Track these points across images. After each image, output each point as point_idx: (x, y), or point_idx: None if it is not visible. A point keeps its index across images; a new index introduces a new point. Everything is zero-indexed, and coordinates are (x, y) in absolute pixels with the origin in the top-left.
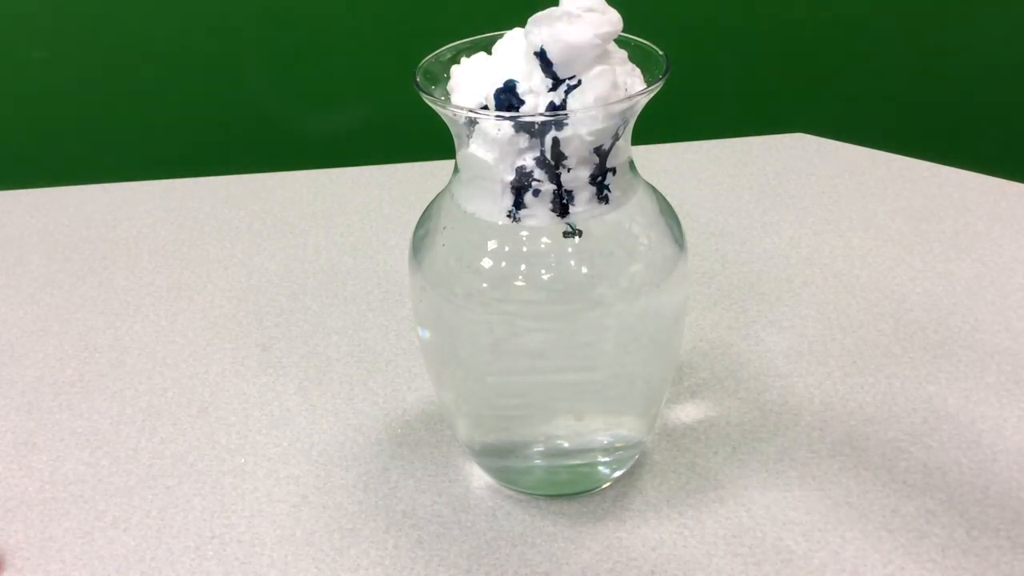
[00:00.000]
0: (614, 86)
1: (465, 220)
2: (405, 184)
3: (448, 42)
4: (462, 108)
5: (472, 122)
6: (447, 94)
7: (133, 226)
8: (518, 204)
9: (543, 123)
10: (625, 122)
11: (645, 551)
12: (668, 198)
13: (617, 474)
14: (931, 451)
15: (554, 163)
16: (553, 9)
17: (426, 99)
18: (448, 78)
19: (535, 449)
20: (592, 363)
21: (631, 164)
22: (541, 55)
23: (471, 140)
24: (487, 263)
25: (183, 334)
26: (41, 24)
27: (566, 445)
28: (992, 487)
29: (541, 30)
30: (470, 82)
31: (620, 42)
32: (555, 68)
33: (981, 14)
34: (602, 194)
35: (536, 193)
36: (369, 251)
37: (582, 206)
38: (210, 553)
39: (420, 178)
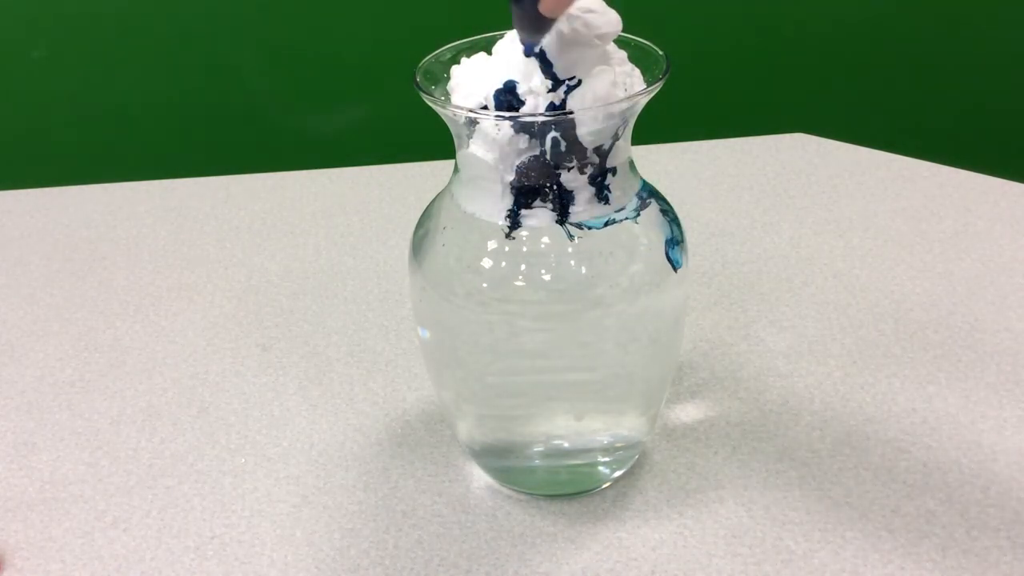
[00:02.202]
0: (614, 86)
1: (465, 220)
2: (405, 184)
3: (448, 42)
4: (462, 108)
5: (472, 122)
6: (447, 94)
7: (133, 226)
8: (518, 204)
9: (543, 123)
10: (625, 122)
11: (645, 551)
12: (668, 198)
13: (617, 474)
14: (931, 451)
15: (554, 163)
16: None
17: (426, 99)
18: (448, 78)
19: (535, 449)
20: (592, 363)
21: (631, 164)
22: (541, 56)
23: (471, 140)
24: (487, 263)
25: (183, 334)
26: (41, 24)
27: (566, 445)
28: (992, 487)
29: None
30: (470, 82)
31: (620, 42)
32: (555, 69)
33: (981, 14)
34: (602, 194)
35: (536, 193)
36: (369, 251)
37: (582, 206)
38: (210, 553)
39: (420, 178)
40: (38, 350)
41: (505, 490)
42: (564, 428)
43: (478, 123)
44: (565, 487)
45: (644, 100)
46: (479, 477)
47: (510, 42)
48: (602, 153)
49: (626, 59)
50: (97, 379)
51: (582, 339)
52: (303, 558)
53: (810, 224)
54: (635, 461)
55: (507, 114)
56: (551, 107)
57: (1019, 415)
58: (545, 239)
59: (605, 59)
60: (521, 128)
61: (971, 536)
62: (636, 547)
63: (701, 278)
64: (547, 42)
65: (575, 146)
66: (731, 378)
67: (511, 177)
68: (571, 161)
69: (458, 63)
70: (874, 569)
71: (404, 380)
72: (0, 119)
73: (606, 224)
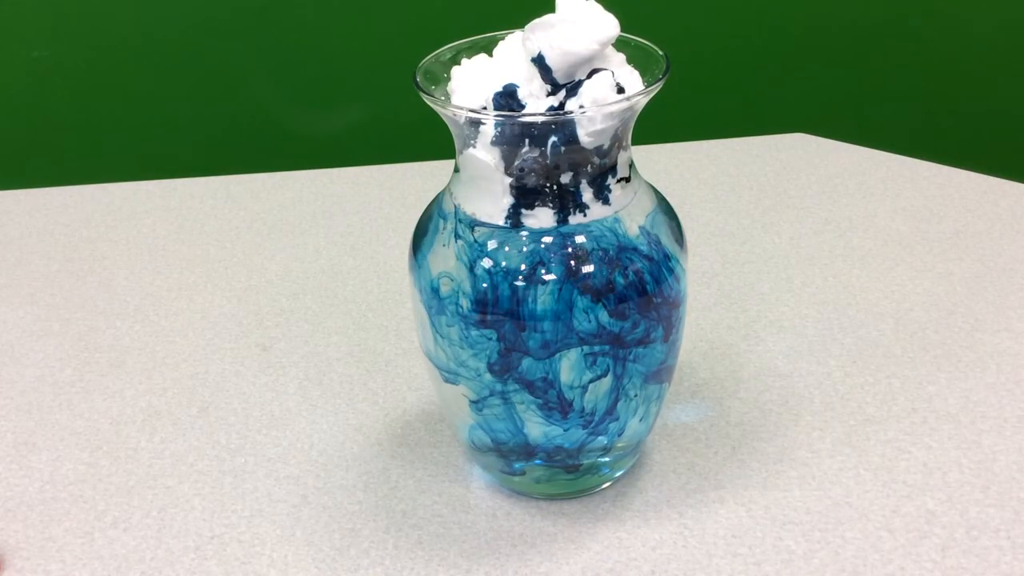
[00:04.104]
0: (613, 88)
1: (465, 220)
2: (405, 184)
3: (448, 42)
4: (462, 108)
5: (473, 123)
6: (447, 94)
7: (133, 226)
8: (518, 205)
9: (543, 125)
10: (625, 123)
11: (645, 551)
12: (668, 198)
13: (617, 474)
14: (931, 451)
15: (554, 164)
16: (550, 16)
17: (426, 99)
18: (448, 78)
19: (535, 450)
20: (592, 363)
21: (631, 164)
22: (539, 61)
23: (472, 141)
24: (487, 263)
25: (183, 334)
26: (41, 24)
27: (566, 445)
28: (992, 487)
29: (538, 37)
30: (471, 84)
31: (620, 43)
32: (554, 74)
33: (981, 14)
34: (602, 194)
35: (536, 194)
36: (369, 251)
37: (582, 206)
38: (210, 553)
39: (420, 178)
40: (38, 350)
41: (505, 490)
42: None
43: (478, 124)
44: (565, 487)
45: (644, 101)
46: (479, 477)
47: (511, 45)
48: (602, 154)
49: (624, 61)
50: (97, 379)
51: (582, 339)
52: (303, 558)
53: (810, 224)
54: (635, 461)
55: (507, 115)
56: (551, 108)
57: (1019, 415)
58: (545, 239)
59: (603, 62)
60: (521, 129)
61: (971, 536)
62: (636, 547)
63: (701, 278)
64: (545, 47)
65: (575, 147)
66: (731, 378)
67: (511, 178)
68: (571, 162)
69: (458, 63)
70: (874, 569)
71: (404, 380)
72: (0, 119)
73: (606, 224)
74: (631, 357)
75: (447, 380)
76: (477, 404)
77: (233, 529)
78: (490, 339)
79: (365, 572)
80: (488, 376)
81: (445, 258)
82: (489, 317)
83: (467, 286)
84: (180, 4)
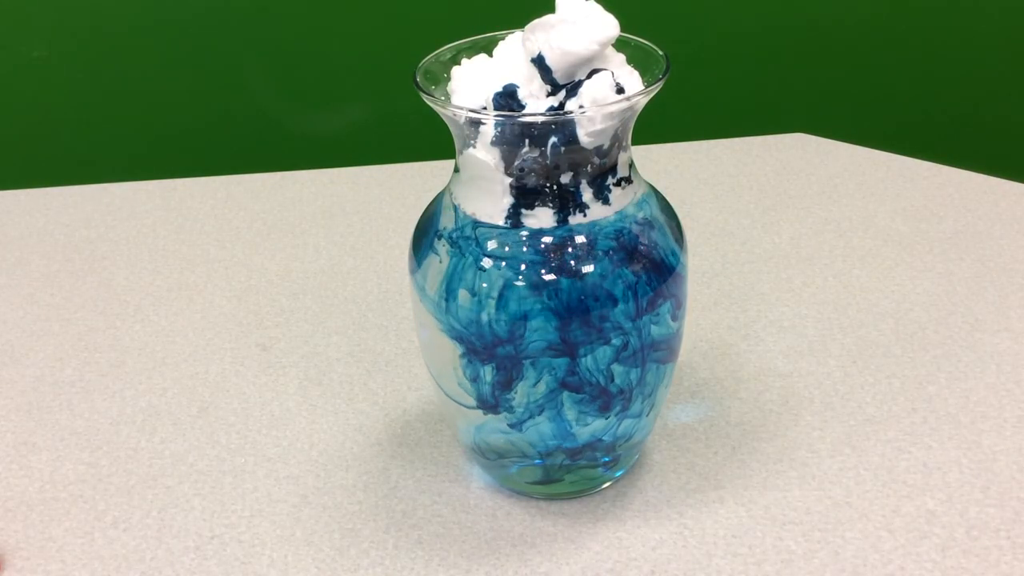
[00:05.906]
0: (613, 88)
1: (465, 220)
2: (405, 184)
3: (448, 42)
4: (462, 108)
5: (473, 123)
6: (447, 94)
7: (133, 226)
8: (518, 205)
9: (543, 125)
10: (624, 123)
11: (645, 551)
12: (668, 198)
13: (617, 474)
14: (931, 451)
15: (554, 164)
16: (550, 16)
17: (426, 99)
18: (448, 78)
19: (535, 449)
20: (592, 364)
21: (631, 164)
22: (539, 62)
23: (472, 141)
24: (487, 263)
25: (183, 334)
26: (41, 24)
27: (566, 445)
28: (992, 487)
29: (538, 37)
30: (471, 84)
31: (620, 43)
32: (554, 74)
33: (981, 14)
34: (602, 194)
35: (536, 194)
36: (369, 251)
37: (582, 207)
38: (210, 553)
39: (420, 178)
40: (38, 350)
41: (505, 490)
42: (564, 428)
43: (478, 124)
44: (565, 487)
45: (644, 101)
46: (479, 477)
47: (511, 45)
48: (602, 154)
49: (624, 61)
50: (97, 379)
51: (582, 340)
52: (303, 558)
53: (810, 224)
54: (635, 461)
55: (507, 114)
56: (551, 108)
57: (1019, 415)
58: (545, 239)
59: (603, 62)
60: (521, 129)
61: (971, 536)
62: (636, 547)
63: (701, 278)
64: (545, 48)
65: (575, 147)
66: (731, 378)
67: (511, 178)
68: (571, 162)
69: (458, 63)
70: (874, 569)
71: (404, 380)
72: (0, 119)
73: (606, 224)
74: (642, 336)
75: (488, 412)
76: (516, 426)
77: (233, 529)
78: (516, 349)
79: (365, 572)
80: (523, 393)
81: (445, 260)
82: (493, 319)
83: (469, 281)
84: (180, 4)
